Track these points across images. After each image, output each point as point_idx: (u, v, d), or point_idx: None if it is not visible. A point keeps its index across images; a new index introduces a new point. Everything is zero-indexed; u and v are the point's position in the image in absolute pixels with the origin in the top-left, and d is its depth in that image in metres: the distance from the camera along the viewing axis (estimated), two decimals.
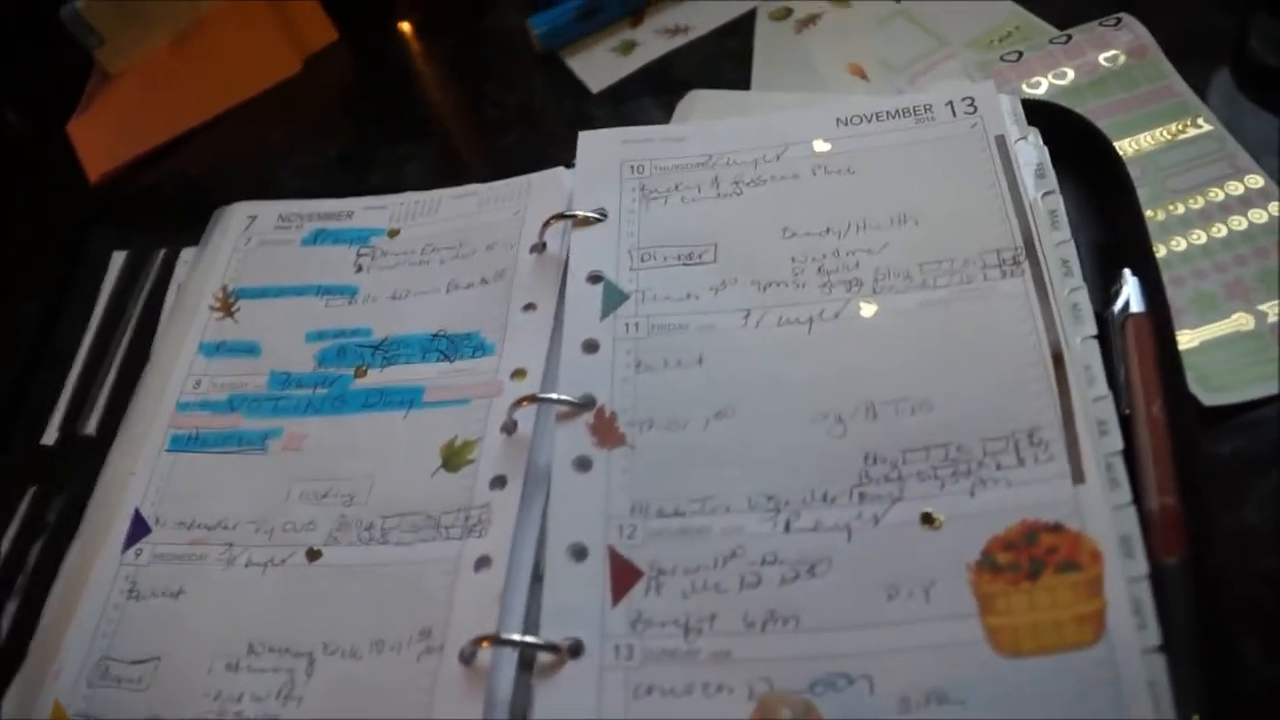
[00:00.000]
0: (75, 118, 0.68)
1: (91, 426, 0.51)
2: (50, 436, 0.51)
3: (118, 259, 0.57)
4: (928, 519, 0.36)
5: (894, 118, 0.47)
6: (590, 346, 0.43)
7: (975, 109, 0.46)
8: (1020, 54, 0.53)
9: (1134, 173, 0.45)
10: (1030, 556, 0.34)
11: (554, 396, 0.42)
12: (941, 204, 0.44)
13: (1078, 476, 0.35)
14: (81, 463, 0.49)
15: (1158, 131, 0.48)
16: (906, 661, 0.34)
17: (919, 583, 0.35)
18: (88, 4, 0.66)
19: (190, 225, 0.55)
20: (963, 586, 0.34)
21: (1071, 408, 0.37)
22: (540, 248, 0.48)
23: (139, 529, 0.44)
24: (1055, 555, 0.34)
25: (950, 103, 0.47)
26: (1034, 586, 0.34)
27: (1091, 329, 0.39)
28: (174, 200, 0.63)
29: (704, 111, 0.54)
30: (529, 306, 0.46)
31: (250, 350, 0.49)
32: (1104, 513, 0.35)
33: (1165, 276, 0.41)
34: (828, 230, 0.44)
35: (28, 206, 0.66)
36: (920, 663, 0.33)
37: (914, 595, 0.35)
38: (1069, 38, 0.53)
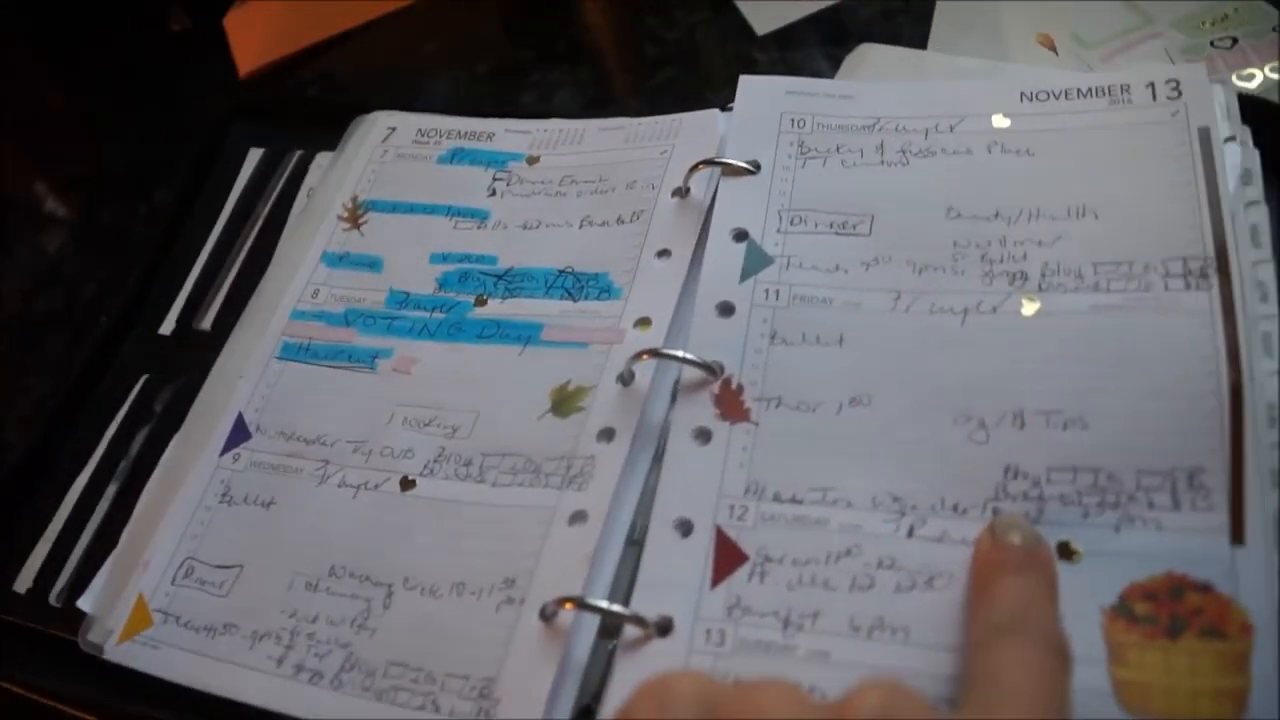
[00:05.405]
0: (232, 10, 0.67)
1: (207, 322, 0.50)
2: (167, 327, 0.51)
3: (254, 155, 0.56)
4: (1065, 550, 0.33)
5: (1086, 97, 0.42)
6: (725, 309, 0.40)
7: (1180, 94, 0.41)
8: (1235, 40, 0.48)
9: None
10: (1172, 613, 0.31)
11: (679, 354, 0.39)
12: (1128, 198, 0.39)
13: (1237, 536, 0.31)
14: (194, 357, 0.48)
15: None
16: None
17: None
18: None
19: (330, 129, 0.54)
20: (1094, 630, 0.31)
21: (1243, 452, 0.33)
22: (683, 192, 0.45)
23: (239, 434, 0.44)
24: (1200, 618, 0.30)
25: (1151, 84, 0.42)
26: (1172, 646, 0.30)
27: None
28: (317, 102, 0.62)
29: (874, 68, 0.50)
30: (663, 253, 0.43)
31: (373, 265, 0.48)
32: (1262, 580, 0.31)
33: None
34: (996, 215, 0.40)
35: (179, 98, 0.65)
36: None
37: None
38: None
